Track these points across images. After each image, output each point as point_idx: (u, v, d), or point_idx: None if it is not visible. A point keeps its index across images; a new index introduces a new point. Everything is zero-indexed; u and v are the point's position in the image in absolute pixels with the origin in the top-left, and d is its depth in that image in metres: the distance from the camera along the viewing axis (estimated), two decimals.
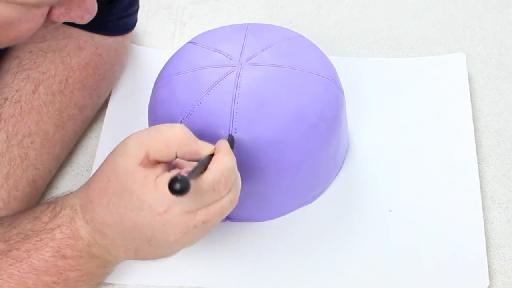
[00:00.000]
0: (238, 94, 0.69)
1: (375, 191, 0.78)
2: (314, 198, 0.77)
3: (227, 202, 0.60)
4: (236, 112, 0.68)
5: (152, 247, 0.61)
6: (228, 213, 0.62)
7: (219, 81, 0.70)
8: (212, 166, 0.59)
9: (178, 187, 0.53)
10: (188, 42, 0.76)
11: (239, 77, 0.70)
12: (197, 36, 0.77)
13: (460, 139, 0.81)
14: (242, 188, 0.70)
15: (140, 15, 0.87)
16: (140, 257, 0.63)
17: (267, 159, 0.70)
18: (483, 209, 0.76)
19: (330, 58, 0.77)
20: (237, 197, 0.62)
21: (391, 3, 0.98)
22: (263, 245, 0.74)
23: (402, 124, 0.83)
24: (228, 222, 0.75)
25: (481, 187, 0.78)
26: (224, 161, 0.60)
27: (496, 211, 0.77)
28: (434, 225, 0.75)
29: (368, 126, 0.83)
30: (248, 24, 0.77)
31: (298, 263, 0.72)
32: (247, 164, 0.70)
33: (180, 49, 0.76)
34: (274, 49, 0.73)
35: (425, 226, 0.75)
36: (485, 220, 0.75)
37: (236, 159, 0.68)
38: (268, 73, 0.71)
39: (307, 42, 0.76)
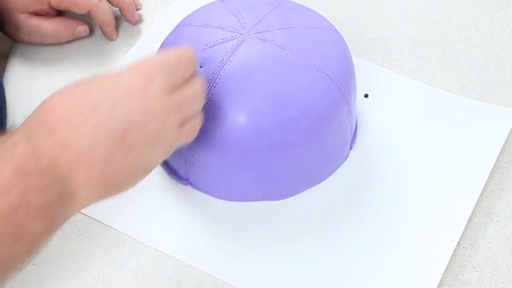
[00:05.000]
0: (228, 62, 0.69)
1: (380, 184, 0.77)
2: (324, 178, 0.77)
3: (199, 85, 0.65)
4: (216, 85, 0.69)
5: (124, 149, 0.60)
6: (201, 104, 0.66)
7: (217, 44, 0.71)
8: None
9: None
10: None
11: (238, 47, 0.70)
12: None
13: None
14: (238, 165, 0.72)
15: None
16: (104, 179, 0.61)
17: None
18: (480, 226, 0.75)
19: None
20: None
21: (379, 3, 0.98)
22: (272, 225, 0.74)
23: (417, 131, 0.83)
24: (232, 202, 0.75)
25: (478, 202, 0.76)
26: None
27: (494, 228, 0.74)
28: (416, 225, 0.74)
29: (376, 122, 0.83)
30: (285, 0, 0.77)
31: (302, 247, 0.73)
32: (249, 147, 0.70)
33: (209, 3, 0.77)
34: (291, 31, 0.72)
35: (407, 223, 0.75)
36: (482, 238, 0.74)
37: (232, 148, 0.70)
38: (268, 52, 0.70)
39: (337, 39, 0.75)
